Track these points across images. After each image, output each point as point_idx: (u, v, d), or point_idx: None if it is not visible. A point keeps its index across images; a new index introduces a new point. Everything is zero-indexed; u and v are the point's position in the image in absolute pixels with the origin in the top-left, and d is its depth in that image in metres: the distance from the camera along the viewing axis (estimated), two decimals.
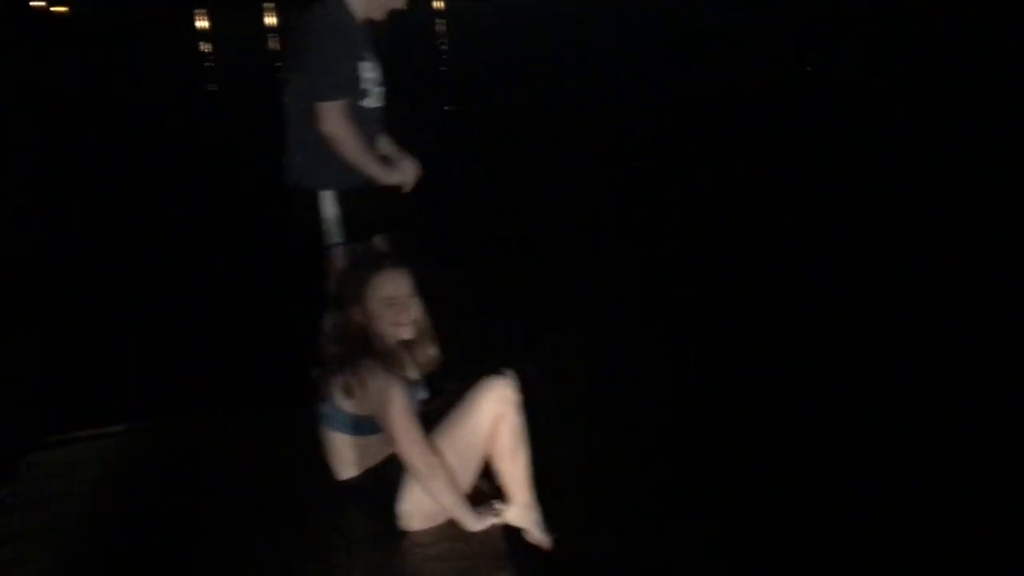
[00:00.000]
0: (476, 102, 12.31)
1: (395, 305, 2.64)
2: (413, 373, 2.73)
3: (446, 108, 12.04)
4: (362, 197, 3.21)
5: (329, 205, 3.19)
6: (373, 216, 3.28)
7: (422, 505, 2.60)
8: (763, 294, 5.17)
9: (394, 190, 3.30)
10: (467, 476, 2.67)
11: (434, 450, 2.55)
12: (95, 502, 2.91)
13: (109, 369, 4.24)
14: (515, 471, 2.74)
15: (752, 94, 11.79)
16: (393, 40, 3.36)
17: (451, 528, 2.64)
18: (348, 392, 2.56)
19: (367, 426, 2.60)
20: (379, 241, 3.30)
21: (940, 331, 4.49)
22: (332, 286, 3.03)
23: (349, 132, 3.06)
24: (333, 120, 3.04)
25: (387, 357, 2.61)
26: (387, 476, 2.62)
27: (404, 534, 2.63)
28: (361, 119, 3.17)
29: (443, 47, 19.62)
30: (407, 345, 2.72)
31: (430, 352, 2.80)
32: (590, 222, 6.64)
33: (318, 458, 2.75)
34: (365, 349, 2.59)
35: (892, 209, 6.64)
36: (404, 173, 3.27)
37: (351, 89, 3.10)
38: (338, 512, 2.71)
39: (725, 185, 7.57)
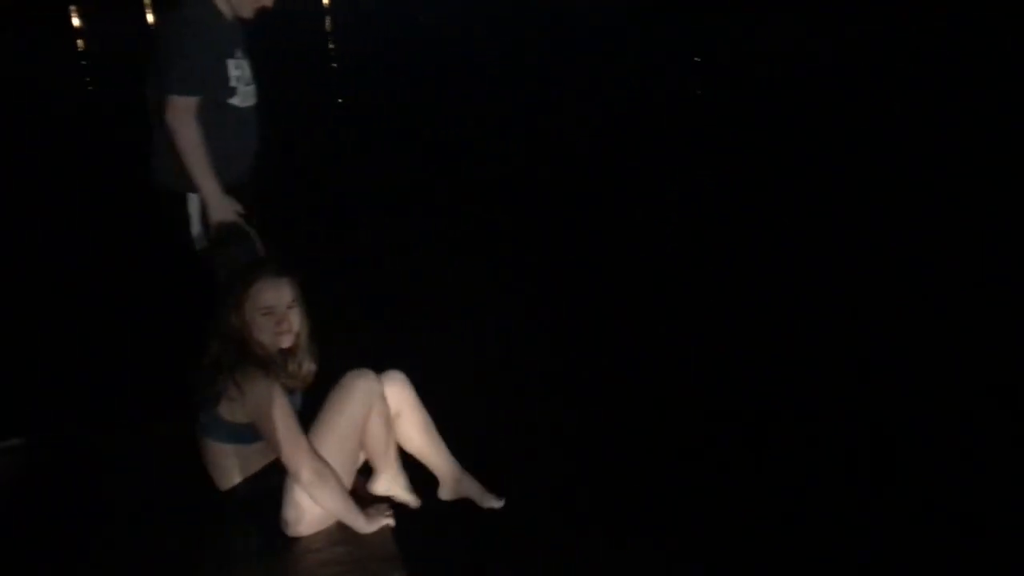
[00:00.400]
0: (365, 98, 12.22)
1: (273, 315, 2.62)
2: (292, 383, 2.72)
3: (340, 101, 11.91)
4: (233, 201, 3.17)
5: (195, 208, 3.14)
6: (240, 220, 3.23)
7: (308, 510, 2.61)
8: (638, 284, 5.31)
9: (256, 192, 3.25)
10: (348, 476, 2.70)
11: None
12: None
13: None
14: (412, 444, 2.89)
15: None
16: (279, 36, 3.29)
17: (340, 531, 2.66)
18: (227, 400, 2.53)
19: (247, 435, 2.59)
20: (259, 248, 3.27)
21: (908, 343, 4.49)
22: (211, 292, 2.99)
23: (190, 130, 3.00)
24: (176, 115, 2.99)
25: (267, 364, 2.60)
26: (270, 483, 2.62)
27: (292, 541, 2.63)
28: (226, 118, 3.14)
29: (332, 45, 19.35)
30: (287, 355, 2.70)
31: (308, 366, 2.77)
32: (472, 221, 6.65)
33: (200, 469, 2.73)
34: (244, 356, 2.57)
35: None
36: (224, 209, 3.13)
37: (204, 86, 3.04)
38: (223, 523, 2.69)
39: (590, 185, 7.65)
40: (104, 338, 4.52)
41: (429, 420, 2.94)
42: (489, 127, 10.05)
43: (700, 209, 6.77)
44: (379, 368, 2.83)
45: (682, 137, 9.24)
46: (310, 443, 2.56)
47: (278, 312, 2.63)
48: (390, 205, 7.06)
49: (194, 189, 3.11)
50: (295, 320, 2.68)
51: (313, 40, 18.59)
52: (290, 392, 2.67)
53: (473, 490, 2.96)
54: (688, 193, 7.21)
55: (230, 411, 2.56)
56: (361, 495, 2.79)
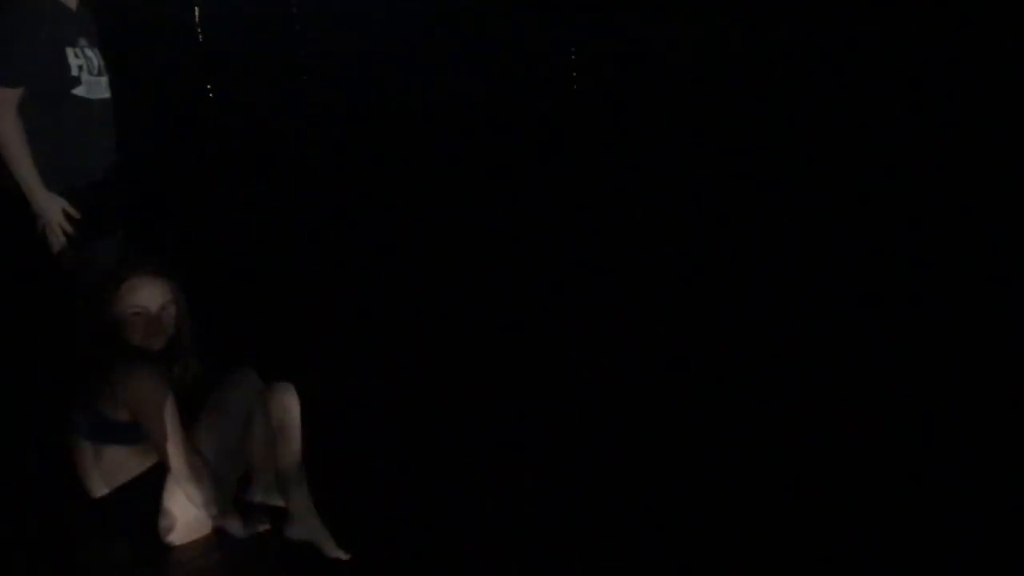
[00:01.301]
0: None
1: (143, 315, 2.55)
2: (176, 385, 2.65)
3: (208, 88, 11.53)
4: (85, 199, 3.03)
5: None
6: (98, 218, 3.10)
7: (184, 516, 2.57)
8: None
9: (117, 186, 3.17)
10: (228, 478, 2.67)
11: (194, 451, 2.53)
12: None
13: None
14: (278, 464, 2.74)
15: None
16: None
17: (217, 537, 2.63)
18: (107, 396, 2.48)
19: (127, 435, 2.54)
20: (128, 246, 3.17)
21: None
22: (81, 289, 2.90)
23: (7, 124, 2.86)
24: None
25: (149, 357, 2.54)
26: (144, 490, 2.57)
27: (167, 549, 2.59)
28: (70, 110, 3.01)
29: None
30: (169, 356, 2.64)
31: (193, 369, 2.71)
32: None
33: (69, 475, 2.64)
34: (121, 351, 2.51)
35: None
36: (48, 207, 2.97)
37: (29, 77, 2.89)
38: (95, 533, 2.63)
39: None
40: None
41: (299, 447, 2.78)
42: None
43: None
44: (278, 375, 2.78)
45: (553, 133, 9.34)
46: (187, 438, 2.51)
47: (149, 313, 2.56)
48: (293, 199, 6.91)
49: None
50: (168, 323, 2.61)
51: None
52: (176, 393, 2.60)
53: (320, 536, 2.71)
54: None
55: (112, 408, 2.50)
56: (238, 501, 2.75)
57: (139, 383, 2.47)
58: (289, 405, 2.74)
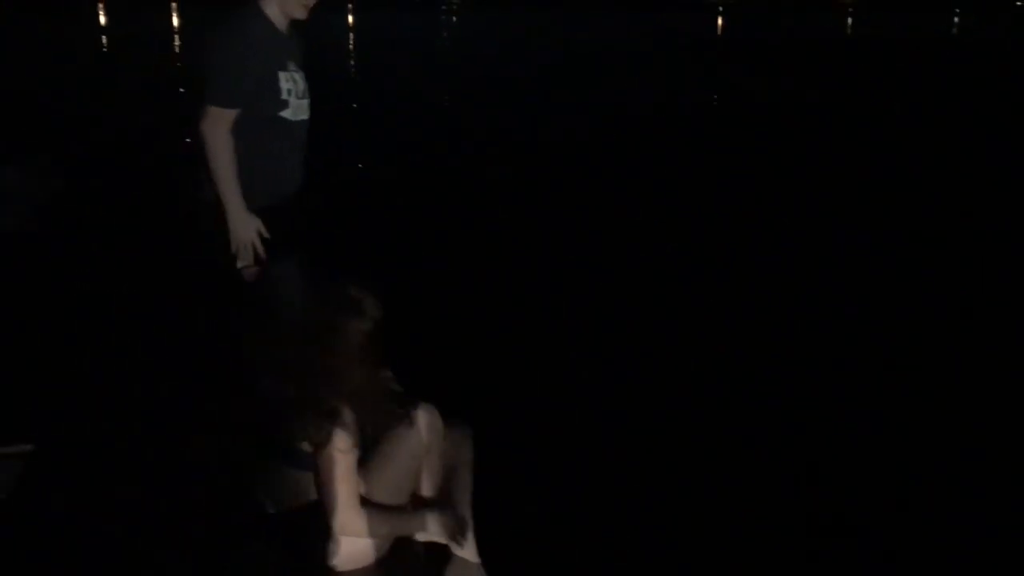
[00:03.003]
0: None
1: (374, 348, 2.52)
2: (370, 427, 2.61)
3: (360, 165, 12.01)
4: (277, 218, 3.11)
5: None
6: (283, 239, 3.16)
7: (351, 546, 2.56)
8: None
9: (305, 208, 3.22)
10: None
11: (366, 488, 2.52)
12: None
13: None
14: (450, 502, 2.73)
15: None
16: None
17: (379, 570, 2.60)
18: (302, 431, 2.49)
19: (310, 462, 2.55)
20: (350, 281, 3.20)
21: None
22: (258, 307, 2.94)
23: (219, 142, 2.94)
24: (209, 126, 2.93)
25: (351, 402, 2.49)
26: (317, 513, 2.56)
27: (331, 573, 2.58)
28: (277, 132, 3.09)
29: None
30: (371, 392, 2.61)
31: (389, 409, 2.65)
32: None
33: (246, 487, 2.69)
34: (328, 391, 2.47)
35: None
36: (245, 229, 3.03)
37: (247, 99, 2.98)
38: (266, 547, 2.64)
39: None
40: (129, 347, 4.45)
41: (471, 489, 2.81)
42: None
43: None
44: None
45: None
46: (357, 507, 2.49)
47: (378, 348, 2.53)
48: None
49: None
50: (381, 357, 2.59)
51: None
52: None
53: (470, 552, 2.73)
54: None
55: (301, 439, 2.52)
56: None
57: (330, 450, 2.44)
58: (465, 447, 2.76)
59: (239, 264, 3.05)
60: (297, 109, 3.15)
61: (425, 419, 2.65)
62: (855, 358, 4.49)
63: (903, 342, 4.70)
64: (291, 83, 3.11)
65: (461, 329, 4.79)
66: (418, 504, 2.74)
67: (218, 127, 2.94)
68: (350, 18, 45.87)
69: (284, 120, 3.10)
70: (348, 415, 2.45)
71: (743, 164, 9.70)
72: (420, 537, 2.70)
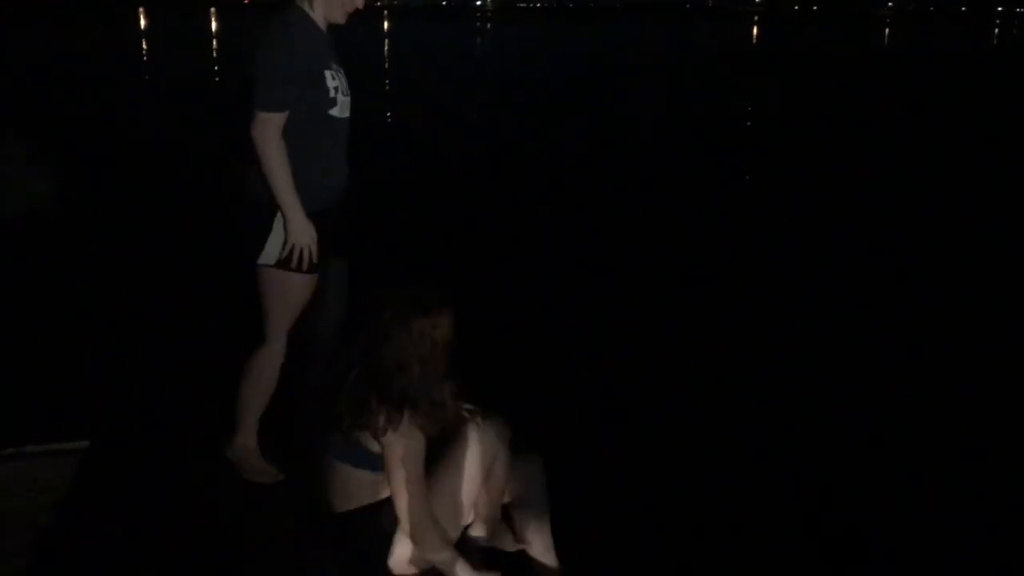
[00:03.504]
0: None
1: (442, 351, 2.51)
2: (433, 426, 2.57)
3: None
4: (322, 221, 3.04)
5: (281, 225, 3.00)
6: (333, 240, 3.12)
7: (412, 551, 2.53)
8: None
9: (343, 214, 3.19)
10: (460, 520, 2.61)
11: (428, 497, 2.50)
12: (60, 522, 2.79)
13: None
14: (524, 505, 2.72)
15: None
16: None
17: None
18: (372, 433, 2.46)
19: (376, 462, 2.51)
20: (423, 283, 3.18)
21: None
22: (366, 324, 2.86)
23: (273, 148, 2.90)
24: (261, 131, 2.89)
25: (419, 405, 2.47)
26: (382, 515, 2.54)
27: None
28: (326, 130, 3.05)
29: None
30: (438, 394, 2.56)
31: (453, 407, 2.62)
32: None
33: (310, 485, 2.68)
34: (403, 394, 2.45)
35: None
36: (305, 234, 2.98)
37: (296, 101, 2.94)
38: (330, 546, 2.63)
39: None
40: (186, 344, 4.46)
41: (545, 497, 2.79)
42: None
43: None
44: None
45: None
46: (426, 498, 2.48)
47: (451, 345, 2.52)
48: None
49: None
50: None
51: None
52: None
53: (507, 543, 2.77)
54: None
55: (371, 440, 2.51)
56: (466, 542, 2.70)
57: (400, 437, 2.42)
58: (536, 474, 2.75)
59: (292, 267, 3.02)
60: (343, 106, 3.12)
61: (492, 427, 2.61)
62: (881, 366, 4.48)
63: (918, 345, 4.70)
64: (337, 81, 3.08)
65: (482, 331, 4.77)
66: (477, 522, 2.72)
67: (268, 131, 2.90)
68: (386, 24, 46.25)
69: (333, 118, 3.07)
70: (418, 412, 2.45)
71: (775, 173, 9.68)
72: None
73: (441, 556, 2.50)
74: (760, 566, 2.93)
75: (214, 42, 27.47)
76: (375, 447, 2.48)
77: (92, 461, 3.14)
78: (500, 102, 14.69)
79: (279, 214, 2.97)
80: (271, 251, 2.98)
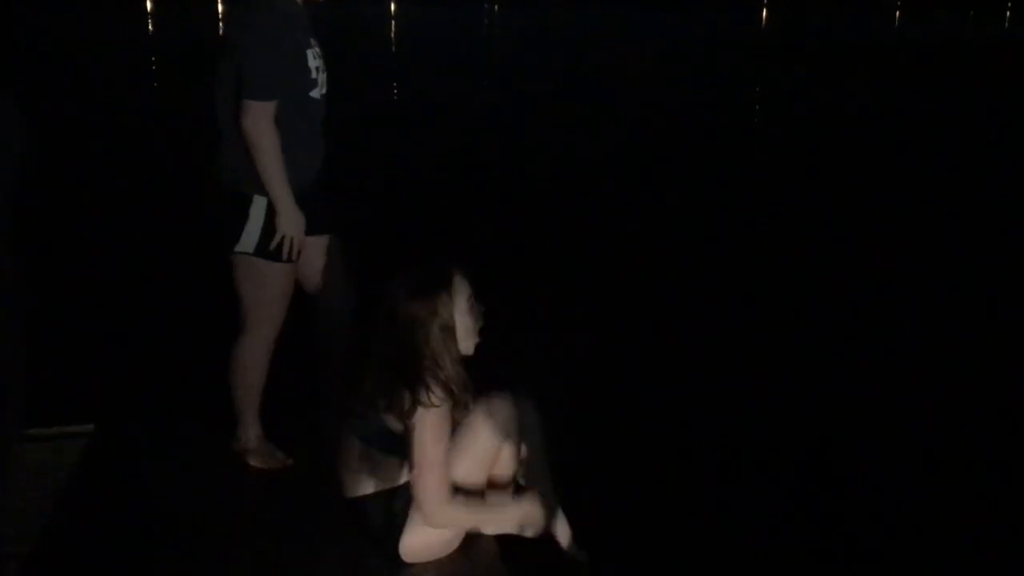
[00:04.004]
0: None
1: (473, 310, 2.49)
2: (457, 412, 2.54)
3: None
4: (306, 205, 2.93)
5: (259, 212, 2.90)
6: (323, 224, 3.05)
7: (426, 537, 2.50)
8: None
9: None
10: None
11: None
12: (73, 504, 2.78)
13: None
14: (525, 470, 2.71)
15: None
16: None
17: (453, 563, 2.55)
18: (397, 414, 2.42)
19: (397, 445, 2.47)
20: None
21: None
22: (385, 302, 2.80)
23: (268, 138, 2.80)
24: (254, 121, 2.78)
25: (447, 386, 2.43)
26: (395, 502, 2.50)
27: (400, 563, 2.52)
28: (306, 111, 2.95)
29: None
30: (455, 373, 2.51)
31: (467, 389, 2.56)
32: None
33: (320, 471, 2.66)
34: (430, 370, 2.42)
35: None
36: (295, 224, 2.90)
37: (285, 86, 2.84)
38: (341, 532, 2.62)
39: None
40: (196, 325, 4.39)
41: (544, 455, 2.77)
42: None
43: None
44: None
45: None
46: (448, 477, 2.44)
47: (478, 308, 2.50)
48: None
49: (264, 192, 2.88)
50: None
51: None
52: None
53: (562, 533, 2.77)
54: None
55: (394, 422, 2.45)
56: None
57: (427, 414, 2.38)
58: (536, 428, 2.71)
59: (283, 258, 2.94)
60: (322, 84, 3.03)
61: (503, 405, 2.57)
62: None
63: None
64: (317, 60, 2.98)
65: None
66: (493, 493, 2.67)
67: (261, 122, 2.79)
68: (392, 6, 46.06)
69: (313, 99, 2.97)
70: (443, 389, 2.41)
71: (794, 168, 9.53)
72: (502, 530, 2.63)
73: (468, 523, 2.52)
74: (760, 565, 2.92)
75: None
76: (397, 429, 2.44)
77: (97, 446, 3.10)
78: (507, 88, 14.53)
79: (255, 200, 2.88)
80: (249, 239, 2.89)
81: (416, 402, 2.37)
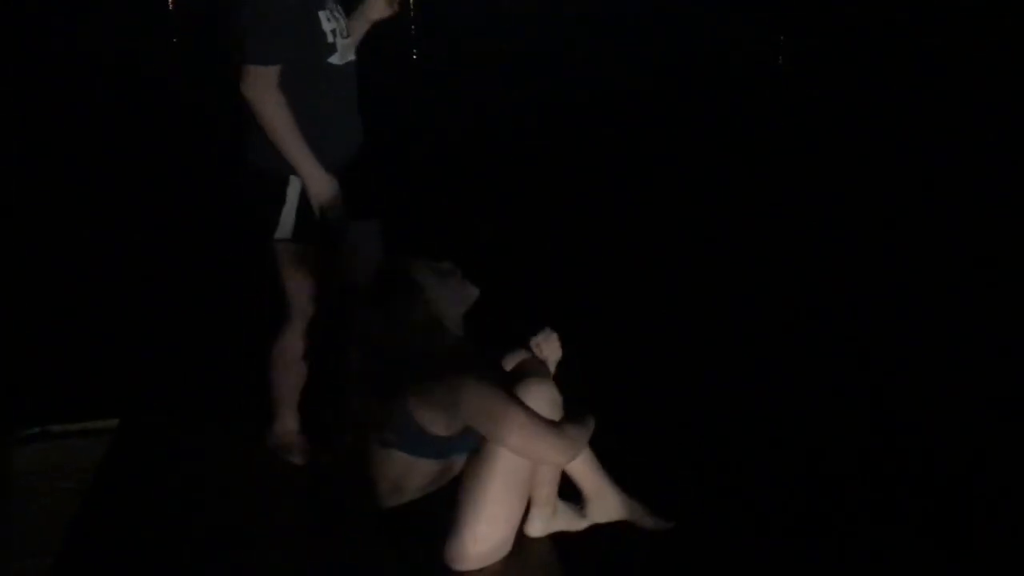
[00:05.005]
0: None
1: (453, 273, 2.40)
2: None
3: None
4: (345, 177, 2.74)
5: (294, 193, 2.73)
6: (359, 200, 2.83)
7: (480, 544, 2.33)
8: None
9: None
10: (516, 517, 2.43)
11: None
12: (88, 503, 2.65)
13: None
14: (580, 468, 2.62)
15: None
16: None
17: (505, 568, 2.39)
18: (428, 407, 2.27)
19: (440, 448, 2.33)
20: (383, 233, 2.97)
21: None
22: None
23: (271, 105, 2.59)
24: (253, 88, 2.58)
25: (459, 351, 2.34)
26: (436, 509, 2.36)
27: (447, 572, 2.35)
28: (328, 80, 2.74)
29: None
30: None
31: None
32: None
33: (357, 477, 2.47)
34: (441, 358, 2.31)
35: None
36: (327, 186, 2.71)
37: (289, 51, 2.62)
38: (382, 544, 2.45)
39: None
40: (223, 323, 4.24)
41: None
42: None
43: None
44: None
45: None
46: (537, 416, 2.29)
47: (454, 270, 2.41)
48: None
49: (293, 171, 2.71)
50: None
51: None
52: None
53: (632, 509, 2.68)
54: None
55: (430, 420, 2.28)
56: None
57: (468, 386, 2.24)
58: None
59: (332, 221, 2.74)
60: (345, 51, 2.79)
61: (545, 392, 2.40)
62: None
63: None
64: (334, 22, 2.74)
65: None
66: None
67: (260, 87, 2.58)
68: None
69: (332, 66, 2.74)
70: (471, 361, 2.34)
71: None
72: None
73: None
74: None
75: None
76: (437, 430, 2.28)
77: (121, 442, 2.97)
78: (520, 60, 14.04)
79: (291, 180, 2.69)
80: (286, 223, 2.71)
81: (450, 384, 2.24)
